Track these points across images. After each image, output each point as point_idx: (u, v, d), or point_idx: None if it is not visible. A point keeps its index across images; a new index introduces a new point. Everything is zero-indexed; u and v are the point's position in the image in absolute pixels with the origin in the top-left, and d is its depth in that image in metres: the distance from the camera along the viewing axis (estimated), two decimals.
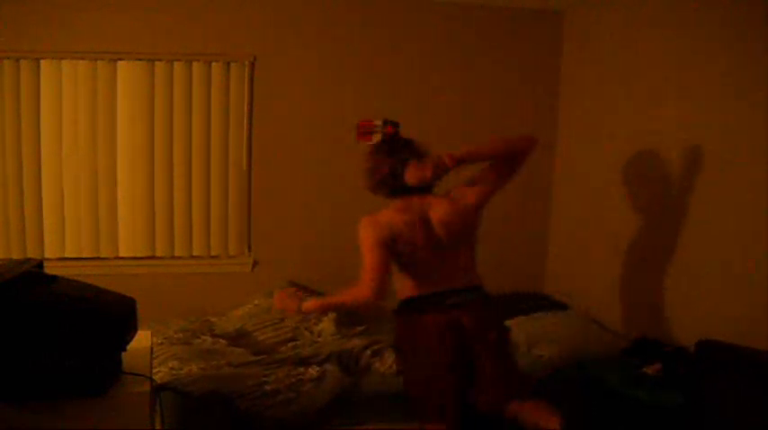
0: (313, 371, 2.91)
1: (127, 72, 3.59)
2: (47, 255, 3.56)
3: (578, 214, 3.97)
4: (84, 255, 3.65)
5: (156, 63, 3.60)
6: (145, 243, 3.73)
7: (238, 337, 3.34)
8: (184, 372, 2.82)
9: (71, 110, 3.55)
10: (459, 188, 2.51)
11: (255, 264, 3.87)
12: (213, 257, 3.84)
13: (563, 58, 4.10)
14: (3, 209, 3.53)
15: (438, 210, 2.42)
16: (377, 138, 3.93)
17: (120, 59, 3.56)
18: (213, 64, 3.67)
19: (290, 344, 3.28)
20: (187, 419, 2.66)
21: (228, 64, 3.69)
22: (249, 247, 3.88)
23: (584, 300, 3.83)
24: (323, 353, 3.12)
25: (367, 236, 2.33)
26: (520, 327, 3.55)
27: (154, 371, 2.79)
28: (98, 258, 3.67)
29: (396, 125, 4.07)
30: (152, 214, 3.71)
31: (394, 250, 2.35)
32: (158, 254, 3.75)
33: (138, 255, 3.74)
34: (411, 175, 2.44)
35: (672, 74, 3.17)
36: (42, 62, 3.47)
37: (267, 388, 2.77)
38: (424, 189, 2.47)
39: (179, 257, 3.77)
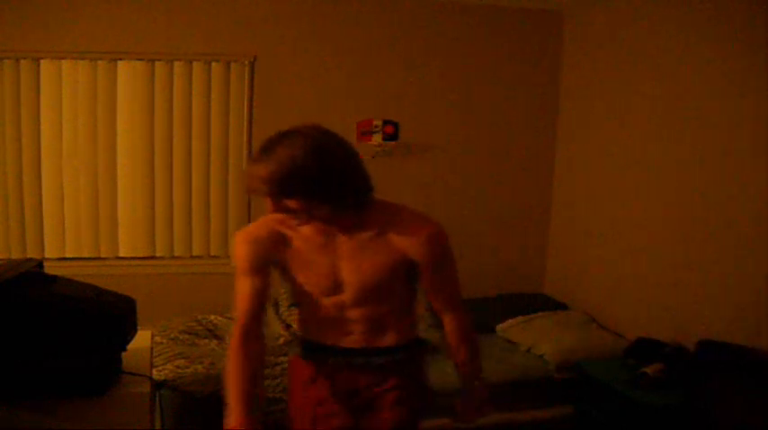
0: None
1: (127, 72, 3.59)
2: (47, 255, 3.56)
3: (578, 214, 3.97)
4: (84, 255, 3.65)
5: (156, 63, 3.60)
6: (145, 243, 3.73)
7: None
8: (190, 371, 2.83)
9: (71, 110, 3.55)
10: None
11: None
12: (213, 257, 3.84)
13: (563, 58, 4.10)
14: (3, 209, 3.53)
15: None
16: (377, 138, 3.95)
17: (120, 59, 3.56)
18: (213, 64, 3.67)
19: (292, 346, 3.28)
20: (187, 419, 2.66)
21: (228, 64, 3.69)
22: None
23: (584, 300, 3.83)
24: None
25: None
26: (520, 327, 3.56)
27: (158, 368, 2.80)
28: (98, 258, 3.67)
29: (395, 125, 4.07)
30: (152, 214, 3.71)
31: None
32: (158, 254, 3.75)
33: (138, 255, 3.74)
34: None
35: (672, 73, 3.17)
36: (42, 62, 3.47)
37: (269, 394, 2.77)
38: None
39: (179, 257, 3.77)
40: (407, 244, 1.64)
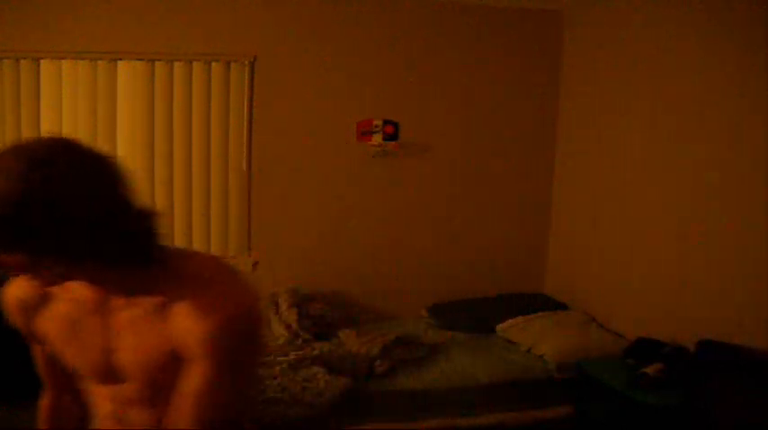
0: (317, 379, 2.91)
1: (127, 72, 3.59)
2: None
3: (578, 214, 3.97)
4: None
5: (156, 63, 3.60)
6: None
7: None
8: None
9: (71, 110, 3.55)
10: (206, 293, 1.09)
11: (255, 264, 3.87)
12: None
13: (563, 58, 4.10)
14: None
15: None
16: (377, 138, 3.95)
17: (120, 59, 3.56)
18: (213, 64, 3.67)
19: (292, 346, 3.29)
20: None
21: (228, 64, 3.69)
22: (249, 248, 3.88)
23: (584, 300, 3.83)
24: (324, 356, 3.12)
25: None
26: (520, 327, 3.56)
27: None
28: None
29: (396, 125, 4.07)
30: None
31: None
32: None
33: None
34: None
35: (672, 73, 3.17)
36: (42, 62, 3.47)
37: (269, 394, 2.77)
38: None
39: None
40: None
